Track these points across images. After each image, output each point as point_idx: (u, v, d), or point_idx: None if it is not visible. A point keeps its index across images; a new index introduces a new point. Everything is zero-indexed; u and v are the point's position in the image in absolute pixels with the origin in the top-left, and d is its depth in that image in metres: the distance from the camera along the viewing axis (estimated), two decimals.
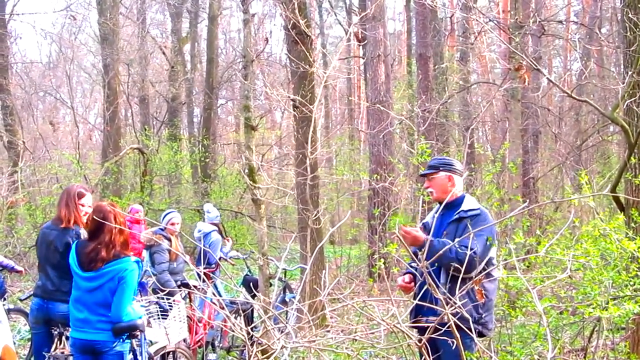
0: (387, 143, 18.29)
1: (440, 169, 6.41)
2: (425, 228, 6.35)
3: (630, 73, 8.18)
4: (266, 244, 9.97)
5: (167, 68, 29.84)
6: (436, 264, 5.82)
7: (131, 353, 6.58)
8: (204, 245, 11.78)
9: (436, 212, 6.52)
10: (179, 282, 9.87)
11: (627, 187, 8.35)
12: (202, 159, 25.00)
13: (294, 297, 11.22)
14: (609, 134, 21.85)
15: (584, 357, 7.64)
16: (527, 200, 15.30)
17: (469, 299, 5.74)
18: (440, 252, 5.40)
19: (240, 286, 11.34)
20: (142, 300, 7.24)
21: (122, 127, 25.15)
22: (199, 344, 9.78)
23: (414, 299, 6.02)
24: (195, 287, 10.29)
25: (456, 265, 5.46)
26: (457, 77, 19.88)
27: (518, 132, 14.24)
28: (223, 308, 10.38)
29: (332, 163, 28.71)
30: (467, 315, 5.07)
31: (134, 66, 26.61)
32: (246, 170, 9.82)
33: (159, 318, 7.58)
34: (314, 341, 4.81)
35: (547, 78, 8.30)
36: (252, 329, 10.17)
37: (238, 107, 37.81)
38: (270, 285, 10.05)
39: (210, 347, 10.16)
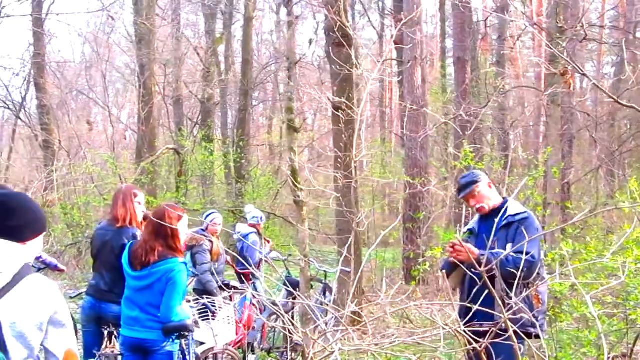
0: (424, 147, 18.28)
1: (478, 181, 6.39)
2: (472, 234, 6.34)
3: None
4: (307, 246, 9.98)
5: (201, 69, 29.91)
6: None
7: (180, 353, 6.61)
8: (242, 247, 11.82)
9: (480, 219, 6.51)
10: (220, 283, 9.88)
11: None
12: (237, 160, 25.06)
13: (332, 299, 11.21)
14: None
15: None
16: (562, 206, 15.18)
17: (525, 304, 5.70)
18: (496, 262, 5.35)
19: (280, 287, 11.34)
20: (191, 301, 7.26)
21: (156, 128, 25.17)
22: (239, 345, 9.79)
23: (463, 301, 6.00)
24: (235, 287, 10.32)
25: (514, 271, 5.40)
26: (493, 81, 19.76)
27: (557, 137, 14.18)
28: (262, 310, 10.47)
29: (364, 166, 28.70)
30: (531, 320, 5.03)
31: (169, 67, 26.66)
32: (288, 172, 9.84)
33: (207, 319, 7.60)
34: (376, 344, 4.73)
35: (595, 84, 8.20)
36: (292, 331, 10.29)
37: (271, 108, 37.96)
38: (312, 287, 10.04)
39: (250, 348, 10.18)
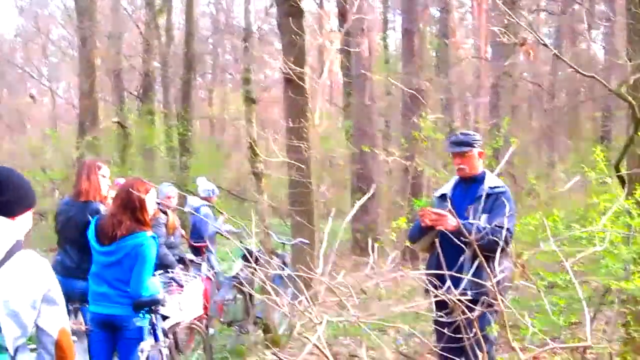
0: (371, 117, 18.28)
1: (474, 145, 6.37)
2: (444, 199, 6.32)
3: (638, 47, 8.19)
4: (267, 218, 9.91)
5: (141, 42, 29.47)
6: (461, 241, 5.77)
7: (150, 328, 6.51)
8: (194, 220, 11.68)
9: (454, 186, 6.50)
10: (176, 257, 9.75)
11: (632, 162, 8.36)
12: (182, 133, 24.79)
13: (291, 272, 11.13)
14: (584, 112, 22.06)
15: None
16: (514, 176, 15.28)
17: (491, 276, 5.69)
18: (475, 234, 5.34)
19: (239, 260, 11.24)
20: (156, 275, 7.13)
21: (98, 102, 24.67)
22: (200, 318, 9.69)
23: (432, 268, 5.97)
24: (191, 261, 10.21)
25: (493, 243, 5.39)
26: (439, 53, 19.82)
27: (509, 109, 14.28)
28: (218, 283, 10.36)
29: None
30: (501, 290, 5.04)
31: (110, 40, 26.20)
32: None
33: (175, 293, 7.50)
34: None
35: (556, 54, 8.23)
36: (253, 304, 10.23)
37: (211, 82, 37.63)
38: (272, 259, 9.97)
39: (209, 322, 10.09)
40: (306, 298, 4.63)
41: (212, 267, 11.32)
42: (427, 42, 19.85)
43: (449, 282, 5.02)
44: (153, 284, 6.30)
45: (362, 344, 7.59)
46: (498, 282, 5.59)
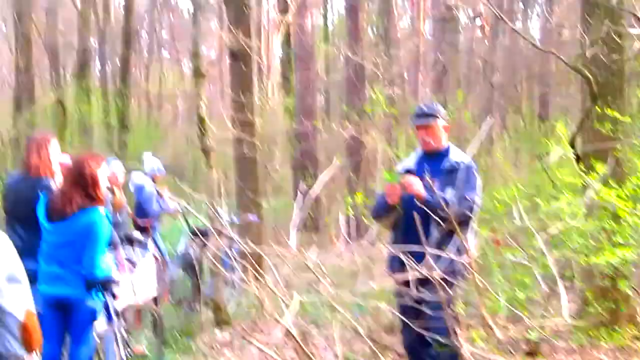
0: (312, 94, 18.18)
1: (438, 117, 6.26)
2: (409, 173, 6.21)
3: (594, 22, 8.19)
4: (216, 195, 9.74)
5: (76, 16, 28.79)
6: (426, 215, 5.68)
7: (104, 309, 6.31)
8: (138, 198, 11.42)
9: (419, 161, 6.39)
10: (122, 235, 9.50)
11: (587, 137, 8.39)
12: (121, 109, 24.30)
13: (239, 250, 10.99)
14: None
15: None
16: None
17: (457, 251, 5.62)
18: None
19: (183, 239, 11.05)
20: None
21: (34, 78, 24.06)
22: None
23: (398, 243, 5.88)
24: (138, 240, 9.97)
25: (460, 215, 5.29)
26: (380, 30, 19.71)
27: (456, 82, 14.27)
28: (165, 262, 10.19)
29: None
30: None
31: (46, 15, 25.58)
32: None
33: (127, 273, 7.28)
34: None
35: (513, 28, 8.22)
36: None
37: (147, 59, 37.10)
38: (220, 236, 9.80)
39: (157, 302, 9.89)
40: (275, 277, 4.47)
41: (157, 246, 11.11)
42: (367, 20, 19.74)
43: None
44: (106, 264, 6.08)
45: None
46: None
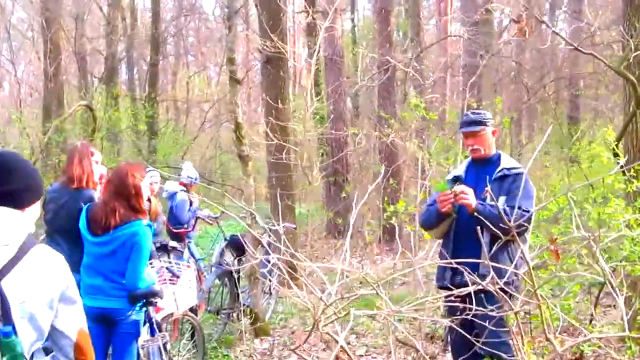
0: (343, 100, 18.04)
1: (487, 123, 6.10)
2: (458, 181, 6.07)
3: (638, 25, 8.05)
4: (253, 203, 9.64)
5: (104, 23, 28.86)
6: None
7: (148, 321, 6.21)
8: (171, 206, 11.36)
9: (467, 168, 6.25)
10: (158, 244, 9.43)
11: (632, 141, 8.24)
12: (150, 115, 24.32)
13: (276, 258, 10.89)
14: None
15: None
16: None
17: (509, 260, 5.47)
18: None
19: (219, 246, 10.95)
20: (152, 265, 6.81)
21: (64, 85, 24.08)
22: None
23: (448, 253, 5.75)
24: (174, 248, 9.89)
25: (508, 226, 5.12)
26: (413, 34, 19.54)
27: (492, 87, 14.09)
28: (201, 271, 10.08)
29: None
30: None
31: (74, 21, 25.59)
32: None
33: (168, 283, 7.19)
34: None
35: (554, 31, 8.04)
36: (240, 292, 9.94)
37: (174, 64, 37.09)
38: (259, 245, 9.69)
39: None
40: (329, 290, 4.33)
41: (192, 254, 11.05)
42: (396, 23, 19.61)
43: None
44: (149, 275, 5.99)
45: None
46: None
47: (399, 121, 12.99)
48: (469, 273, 4.74)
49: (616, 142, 8.03)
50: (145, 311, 6.11)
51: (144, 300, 5.96)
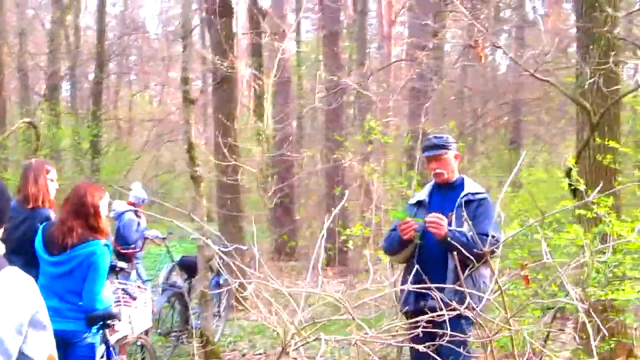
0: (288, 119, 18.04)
1: (449, 147, 6.09)
2: (421, 206, 6.09)
3: (593, 53, 8.18)
4: (205, 224, 9.55)
5: (47, 40, 28.48)
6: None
7: (104, 344, 6.10)
8: (118, 226, 11.22)
9: (431, 193, 6.25)
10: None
11: (585, 169, 8.36)
12: (94, 134, 23.99)
13: (225, 279, 10.82)
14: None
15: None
16: None
17: (473, 285, 5.47)
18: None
19: (165, 267, 10.84)
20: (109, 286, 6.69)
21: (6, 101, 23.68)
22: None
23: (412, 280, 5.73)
24: (122, 269, 9.74)
25: (478, 253, 5.11)
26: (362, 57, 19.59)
27: (442, 111, 14.20)
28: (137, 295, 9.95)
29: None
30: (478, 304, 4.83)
31: (16, 37, 25.23)
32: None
33: (123, 305, 7.06)
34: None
35: (511, 58, 8.16)
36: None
37: (116, 83, 36.75)
38: (210, 267, 9.63)
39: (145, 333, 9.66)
40: (299, 314, 4.28)
41: (139, 275, 10.91)
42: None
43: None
44: (106, 297, 5.88)
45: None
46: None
47: (353, 144, 13.03)
48: (437, 298, 4.75)
49: (569, 170, 8.15)
50: (102, 333, 6.00)
51: (102, 323, 5.84)
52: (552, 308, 7.28)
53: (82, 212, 5.78)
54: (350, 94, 16.38)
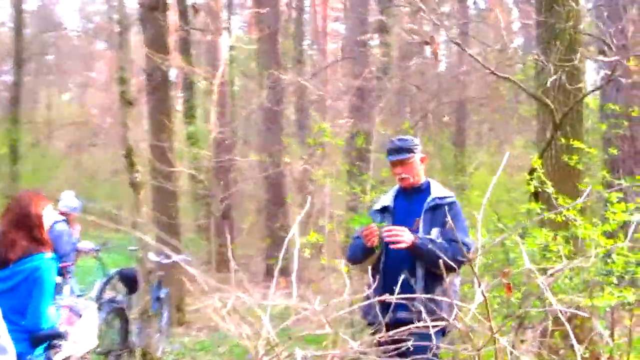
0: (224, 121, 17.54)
1: (415, 150, 5.71)
2: (386, 212, 5.75)
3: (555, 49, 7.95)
4: (145, 235, 8.95)
5: None
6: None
7: None
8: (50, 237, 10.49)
9: (395, 197, 5.86)
10: None
11: (548, 170, 8.08)
12: (14, 139, 22.98)
13: (166, 293, 10.25)
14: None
15: None
16: None
17: (444, 294, 5.09)
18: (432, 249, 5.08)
19: (99, 281, 10.19)
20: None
21: None
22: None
23: (378, 289, 5.31)
24: (56, 284, 9.07)
25: (449, 261, 4.70)
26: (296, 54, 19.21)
27: (389, 111, 13.84)
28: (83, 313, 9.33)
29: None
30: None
31: None
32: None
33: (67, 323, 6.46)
34: None
35: (470, 55, 7.86)
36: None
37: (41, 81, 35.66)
38: (149, 281, 9.05)
39: None
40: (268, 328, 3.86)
41: (72, 290, 10.22)
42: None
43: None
44: (52, 314, 5.34)
45: None
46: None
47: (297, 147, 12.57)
48: (407, 308, 4.81)
49: (532, 170, 7.85)
50: (46, 355, 5.48)
51: (47, 343, 5.40)
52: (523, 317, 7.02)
53: (25, 223, 5.37)
54: (289, 94, 15.88)
